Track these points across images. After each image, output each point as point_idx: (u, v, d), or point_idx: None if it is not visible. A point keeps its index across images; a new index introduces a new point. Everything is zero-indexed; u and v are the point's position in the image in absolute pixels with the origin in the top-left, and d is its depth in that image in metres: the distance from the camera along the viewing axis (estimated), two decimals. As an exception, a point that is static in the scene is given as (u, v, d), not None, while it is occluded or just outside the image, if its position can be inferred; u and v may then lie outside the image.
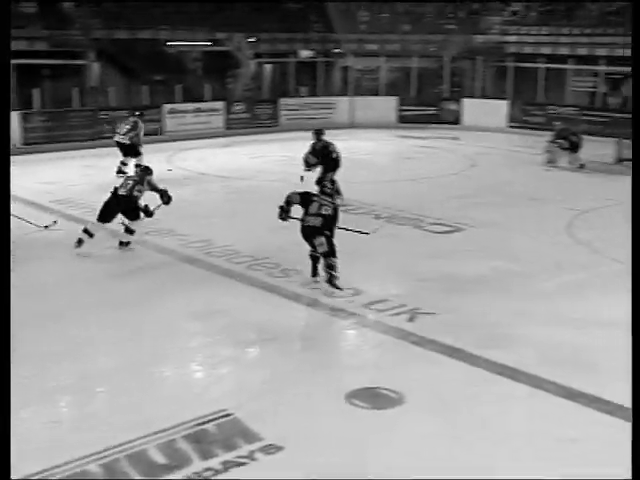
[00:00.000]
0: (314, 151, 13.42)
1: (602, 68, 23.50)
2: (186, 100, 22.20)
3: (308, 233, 9.07)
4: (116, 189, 10.66)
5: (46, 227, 11.41)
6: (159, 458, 5.27)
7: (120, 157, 15.92)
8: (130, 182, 10.76)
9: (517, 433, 5.70)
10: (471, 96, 25.12)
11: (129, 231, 10.71)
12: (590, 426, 5.83)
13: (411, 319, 7.93)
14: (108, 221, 10.58)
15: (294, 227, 11.31)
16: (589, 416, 5.98)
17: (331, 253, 8.95)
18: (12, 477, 4.94)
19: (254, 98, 24.38)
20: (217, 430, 5.65)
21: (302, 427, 5.72)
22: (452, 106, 24.83)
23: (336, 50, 25.86)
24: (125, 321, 7.95)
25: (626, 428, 5.75)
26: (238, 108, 23.30)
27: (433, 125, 23.97)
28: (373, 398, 6.19)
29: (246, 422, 5.74)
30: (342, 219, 9.52)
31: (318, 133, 13.66)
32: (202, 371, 7.02)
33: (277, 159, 18.41)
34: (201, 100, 22.59)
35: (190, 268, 9.83)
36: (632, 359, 4.26)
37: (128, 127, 15.87)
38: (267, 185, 15.17)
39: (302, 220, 9.18)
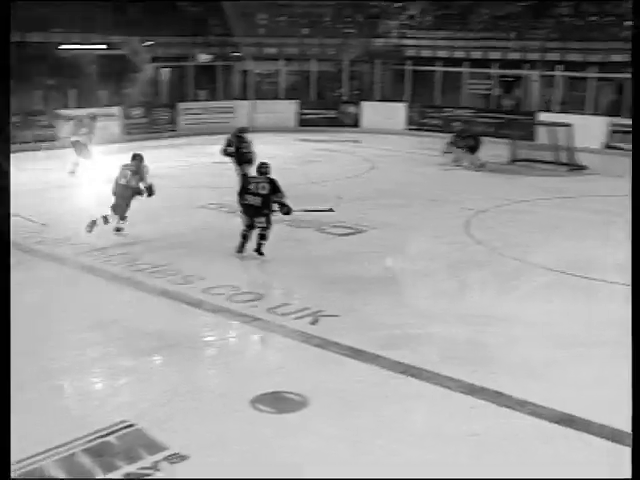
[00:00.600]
0: (228, 142, 14.63)
1: (495, 71, 24.12)
2: (81, 105, 21.65)
3: (250, 212, 10.15)
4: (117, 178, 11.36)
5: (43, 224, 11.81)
6: (58, 474, 5.09)
7: (71, 157, 16.30)
8: (128, 172, 11.22)
9: (421, 431, 5.75)
10: (370, 99, 25.43)
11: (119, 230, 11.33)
12: (492, 421, 5.94)
13: (314, 322, 7.92)
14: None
15: (194, 233, 11.21)
16: (491, 411, 6.09)
17: (267, 228, 10.14)
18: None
19: (152, 103, 24.01)
20: (119, 442, 5.50)
21: (207, 434, 5.63)
22: (352, 109, 25.10)
23: (235, 53, 25.73)
24: (19, 333, 7.66)
25: (527, 421, 5.92)
26: (135, 113, 22.92)
27: (333, 128, 24.16)
28: (278, 402, 6.15)
29: (149, 432, 5.61)
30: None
31: (241, 130, 14.98)
32: (101, 382, 6.83)
33: (176, 164, 18.15)
34: (97, 105, 22.08)
35: (87, 277, 9.57)
36: (632, 360, 4.34)
37: (86, 129, 16.46)
38: (167, 191, 14.94)
39: (242, 198, 10.24)
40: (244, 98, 25.28)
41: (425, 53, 25.03)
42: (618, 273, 9.69)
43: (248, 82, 25.91)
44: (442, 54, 24.69)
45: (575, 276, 9.57)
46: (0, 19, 4.41)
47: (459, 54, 24.41)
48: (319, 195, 14.31)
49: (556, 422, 5.90)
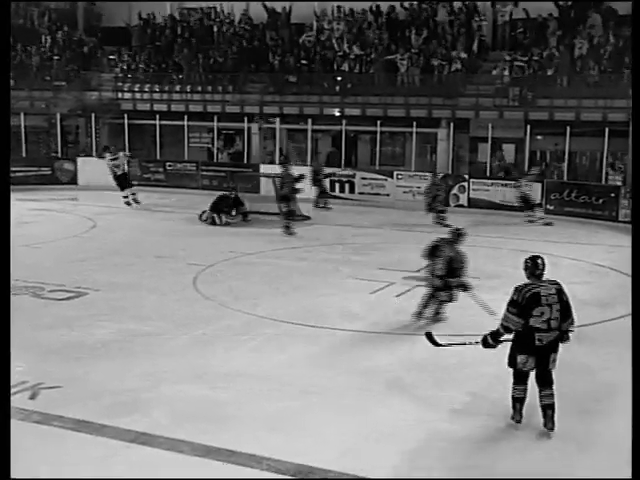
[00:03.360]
0: None
1: (215, 124, 24.21)
2: None
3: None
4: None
5: None
6: None
7: None
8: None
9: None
10: (88, 155, 24.56)
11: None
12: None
13: (33, 396, 7.27)
14: None
15: None
16: (227, 471, 5.87)
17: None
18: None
19: None
20: None
21: None
22: (67, 165, 24.08)
23: None
24: None
25: (265, 477, 5.75)
26: None
27: (48, 186, 22.98)
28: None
29: None
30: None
31: None
32: None
33: None
34: None
35: None
36: (632, 362, 4.99)
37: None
38: None
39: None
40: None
41: (142, 106, 24.75)
42: (348, 321, 9.94)
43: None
44: (160, 107, 24.55)
45: (305, 326, 9.66)
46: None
47: (178, 107, 24.40)
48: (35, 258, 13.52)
49: (294, 475, 5.80)
